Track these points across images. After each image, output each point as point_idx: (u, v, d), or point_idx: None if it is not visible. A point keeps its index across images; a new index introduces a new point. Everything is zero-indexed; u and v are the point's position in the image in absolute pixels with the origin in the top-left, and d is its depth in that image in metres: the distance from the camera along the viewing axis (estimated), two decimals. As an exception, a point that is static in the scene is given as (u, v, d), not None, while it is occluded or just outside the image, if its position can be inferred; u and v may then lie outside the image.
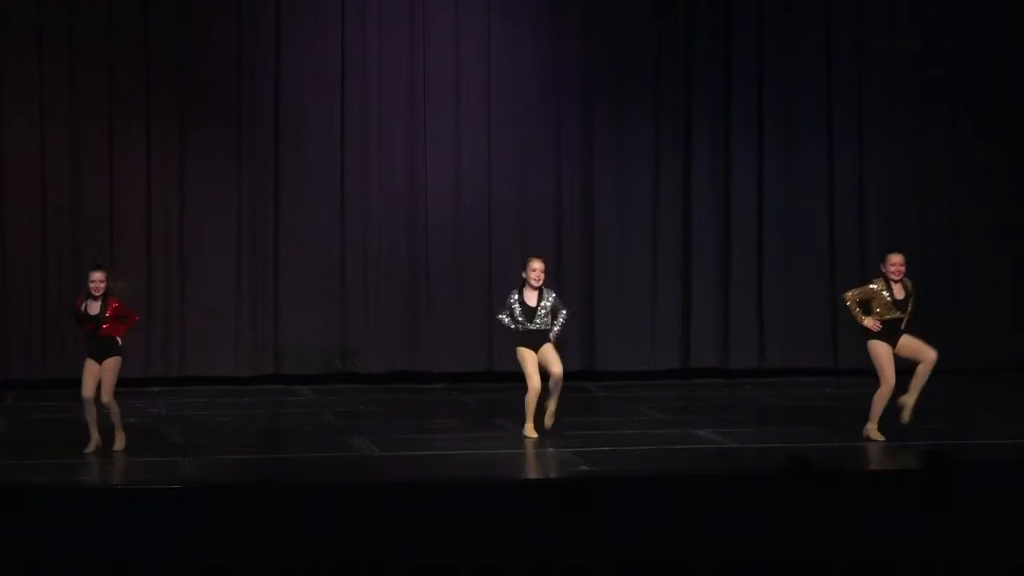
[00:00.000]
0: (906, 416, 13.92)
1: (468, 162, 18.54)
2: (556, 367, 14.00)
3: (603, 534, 9.26)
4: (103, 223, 17.85)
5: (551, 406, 14.15)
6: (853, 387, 17.61)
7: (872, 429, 13.93)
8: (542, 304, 14.13)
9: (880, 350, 13.86)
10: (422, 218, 18.44)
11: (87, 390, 13.41)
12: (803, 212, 19.04)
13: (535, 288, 14.17)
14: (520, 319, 14.12)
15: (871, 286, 13.88)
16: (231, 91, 18.12)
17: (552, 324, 14.19)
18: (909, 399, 13.92)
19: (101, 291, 13.49)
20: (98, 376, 13.44)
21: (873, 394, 13.95)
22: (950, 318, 18.58)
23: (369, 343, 18.31)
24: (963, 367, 17.74)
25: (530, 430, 14.11)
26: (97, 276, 13.52)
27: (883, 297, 13.81)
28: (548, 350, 14.10)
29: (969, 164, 19.15)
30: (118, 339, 13.51)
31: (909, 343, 13.89)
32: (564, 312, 14.25)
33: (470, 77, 18.52)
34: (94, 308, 13.48)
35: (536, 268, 14.21)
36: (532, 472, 13.36)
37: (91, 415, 13.45)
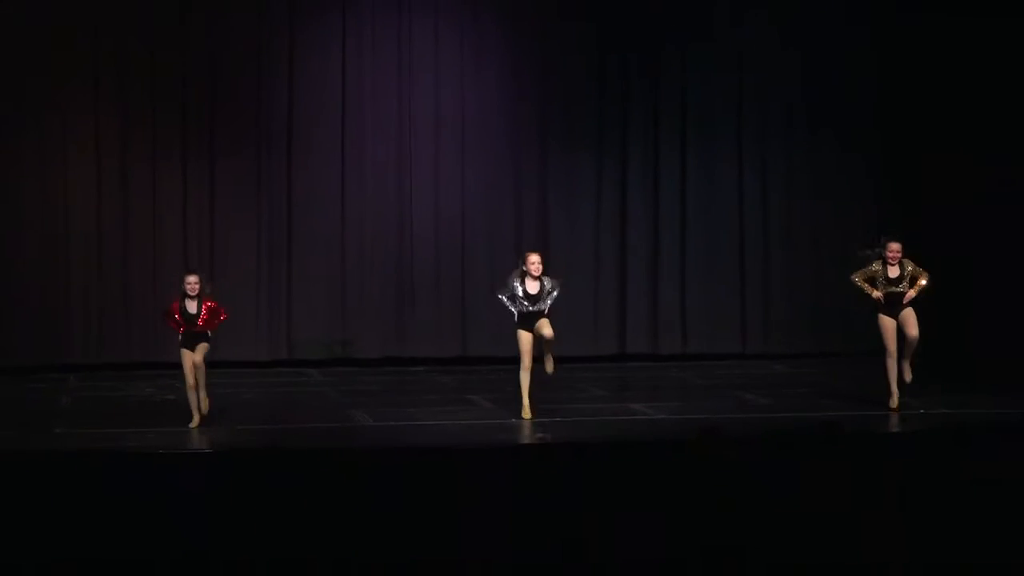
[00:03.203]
0: (907, 377, 13.96)
1: (445, 183, 18.48)
2: (547, 330, 13.65)
3: (563, 489, 9.26)
4: (148, 233, 17.80)
5: (549, 358, 13.90)
6: (759, 368, 17.74)
7: (894, 397, 13.88)
8: (544, 290, 13.77)
9: (885, 323, 13.93)
10: (408, 230, 18.42)
11: (190, 378, 13.22)
12: (718, 221, 18.97)
13: (535, 277, 13.78)
14: (524, 303, 13.70)
15: (872, 267, 13.98)
16: (252, 125, 18.06)
17: (549, 300, 13.80)
18: (906, 367, 13.96)
19: (196, 291, 13.30)
20: (194, 363, 13.25)
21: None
22: (838, 305, 18.59)
23: (364, 333, 18.30)
24: (849, 349, 17.83)
25: (526, 411, 13.76)
26: (192, 279, 13.30)
27: (880, 274, 13.90)
28: (543, 322, 13.72)
29: (853, 174, 19.05)
30: (208, 332, 13.32)
31: (906, 316, 13.91)
32: (556, 291, 13.80)
33: (447, 113, 18.47)
34: (191, 307, 13.26)
35: (534, 260, 13.78)
36: (502, 439, 13.22)
37: (193, 400, 13.29)
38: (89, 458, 11.24)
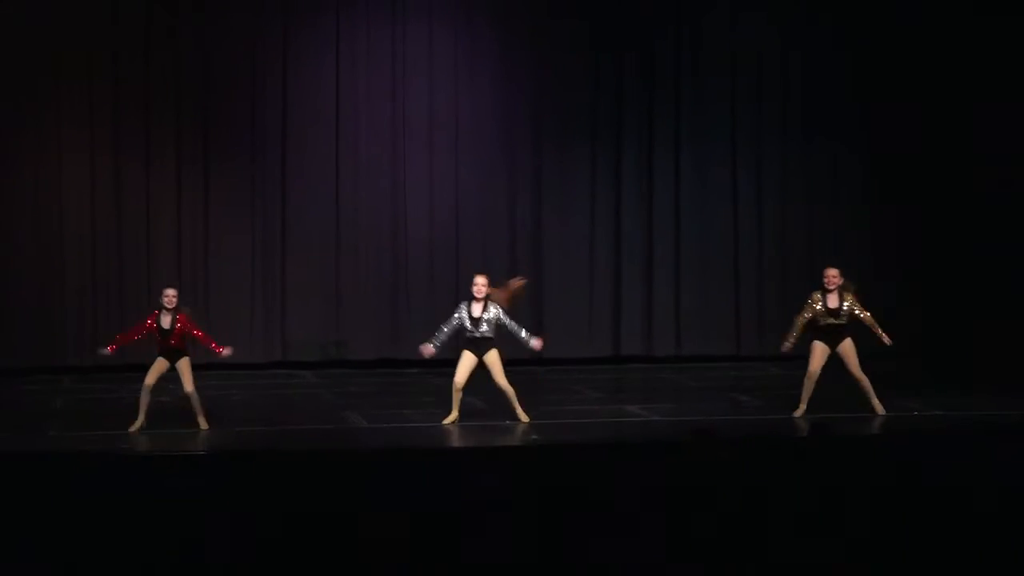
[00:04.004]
0: (880, 411, 13.78)
1: (439, 186, 18.53)
2: (500, 379, 13.56)
3: (555, 484, 9.28)
4: (142, 236, 17.84)
5: (517, 407, 13.71)
6: (753, 370, 17.76)
7: (801, 409, 13.75)
8: (485, 313, 13.57)
9: (816, 347, 13.71)
10: (402, 232, 18.46)
11: (149, 379, 13.17)
12: (712, 224, 19.03)
13: (479, 300, 13.62)
14: (469, 329, 13.54)
15: (809, 302, 13.69)
16: (246, 130, 18.12)
17: (510, 326, 13.68)
18: (876, 404, 13.78)
19: (173, 304, 13.30)
20: (162, 371, 13.19)
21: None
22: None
23: (358, 335, 18.32)
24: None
25: (454, 413, 13.72)
26: (170, 292, 13.35)
27: (818, 309, 13.64)
28: (494, 362, 13.58)
29: (848, 176, 19.10)
30: (184, 348, 13.28)
31: (847, 354, 13.66)
32: (500, 317, 13.63)
33: (440, 115, 18.53)
34: (166, 322, 13.24)
35: (478, 283, 13.64)
36: (495, 440, 13.30)
37: (145, 402, 13.21)
38: (83, 460, 11.26)
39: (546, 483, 9.42)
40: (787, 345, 13.81)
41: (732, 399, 15.30)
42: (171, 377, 15.75)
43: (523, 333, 13.78)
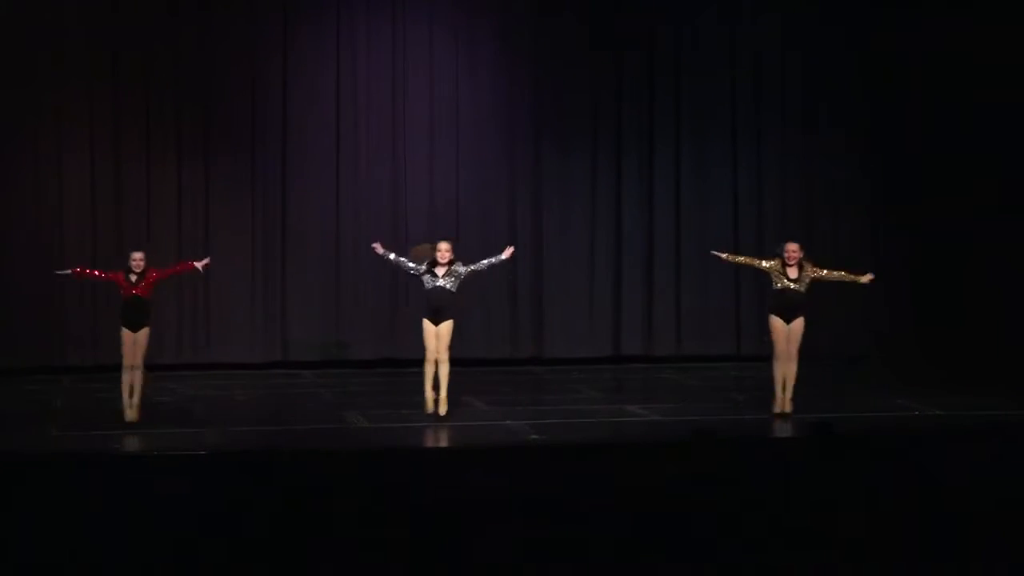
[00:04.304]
0: (788, 409, 13.82)
1: (440, 185, 18.52)
2: (445, 353, 13.69)
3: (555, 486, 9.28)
4: (142, 236, 17.80)
5: (443, 391, 13.82)
6: (753, 370, 17.72)
7: (776, 404, 13.80)
8: (449, 277, 13.67)
9: (776, 324, 13.84)
10: (402, 231, 18.41)
11: (129, 358, 13.25)
12: (712, 222, 18.99)
13: (444, 264, 13.73)
14: (429, 285, 13.67)
15: (766, 263, 13.92)
16: (246, 130, 18.10)
17: (482, 266, 13.86)
18: (785, 400, 13.82)
19: (141, 268, 13.39)
20: (134, 343, 13.26)
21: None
22: (831, 307, 18.69)
23: (359, 335, 18.32)
24: (840, 352, 17.89)
25: (428, 405, 13.79)
26: (138, 255, 13.47)
27: (776, 270, 13.79)
28: (446, 333, 13.74)
29: (849, 175, 19.10)
30: (149, 313, 13.31)
31: (794, 334, 13.80)
32: (474, 265, 13.83)
33: (441, 115, 18.53)
34: (133, 278, 13.40)
35: (442, 248, 13.77)
36: (496, 440, 13.22)
37: (126, 393, 13.29)
38: (83, 460, 11.25)
39: (545, 483, 9.42)
40: (723, 255, 14.28)
41: (732, 399, 15.28)
42: (171, 377, 15.71)
43: (493, 259, 13.93)
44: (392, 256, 14.02)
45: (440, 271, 13.76)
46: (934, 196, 18.81)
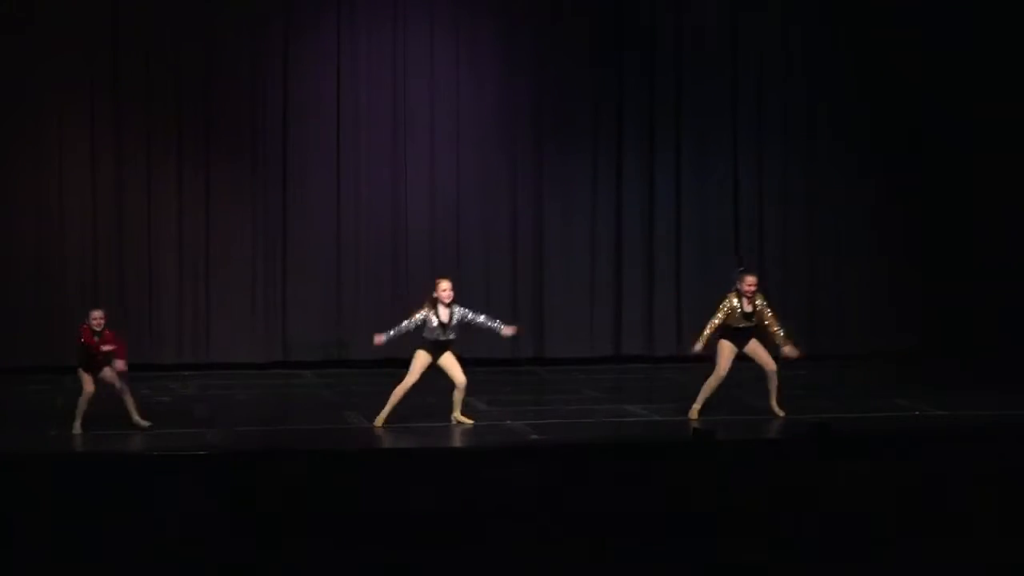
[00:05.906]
0: (779, 413, 13.92)
1: (440, 184, 18.51)
2: (459, 376, 13.45)
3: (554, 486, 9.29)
4: (143, 237, 17.84)
5: (459, 402, 13.60)
6: (754, 370, 17.72)
7: (694, 409, 13.91)
8: (453, 318, 13.43)
9: (724, 346, 13.88)
10: (403, 231, 18.46)
11: (89, 388, 13.28)
12: (713, 221, 19.00)
13: (446, 305, 13.49)
14: (437, 332, 13.37)
15: (727, 307, 13.82)
16: (247, 131, 18.11)
17: (478, 321, 13.56)
18: (774, 405, 13.93)
19: (101, 327, 13.36)
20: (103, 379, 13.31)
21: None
22: (833, 307, 18.70)
23: (359, 335, 18.30)
24: (841, 352, 17.89)
25: (381, 418, 13.55)
26: (97, 314, 13.44)
27: (735, 311, 13.81)
28: (450, 360, 13.49)
29: (849, 176, 19.07)
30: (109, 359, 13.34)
31: (756, 349, 13.92)
32: (469, 315, 13.54)
33: (442, 116, 18.52)
34: (96, 339, 13.36)
35: (444, 287, 13.47)
36: (496, 441, 13.26)
37: (82, 408, 13.31)
38: (84, 460, 11.26)
39: (545, 483, 9.43)
40: (699, 346, 13.91)
41: (733, 399, 15.27)
42: (170, 377, 15.74)
43: (494, 323, 13.67)
44: (394, 332, 13.56)
45: (443, 314, 13.38)
46: (934, 196, 18.81)
